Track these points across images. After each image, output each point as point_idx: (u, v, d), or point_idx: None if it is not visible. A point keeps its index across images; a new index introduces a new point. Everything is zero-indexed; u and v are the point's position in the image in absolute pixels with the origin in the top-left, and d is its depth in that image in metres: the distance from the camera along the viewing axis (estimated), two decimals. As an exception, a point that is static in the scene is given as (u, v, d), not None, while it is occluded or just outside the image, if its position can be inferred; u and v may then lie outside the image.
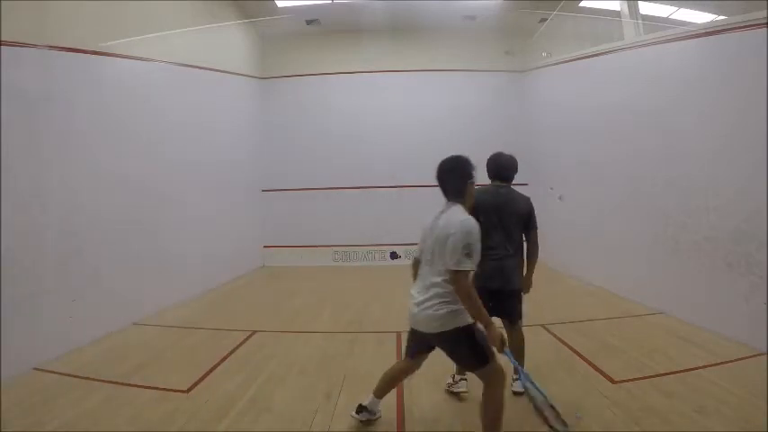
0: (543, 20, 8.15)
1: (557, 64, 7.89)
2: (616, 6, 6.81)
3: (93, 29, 4.93)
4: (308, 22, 8.90)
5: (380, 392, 2.80)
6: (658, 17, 6.68)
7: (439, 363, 3.80)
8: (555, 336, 4.43)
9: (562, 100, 7.73)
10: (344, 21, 8.81)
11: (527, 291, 3.31)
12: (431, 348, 2.64)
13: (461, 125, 9.19)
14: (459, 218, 2.36)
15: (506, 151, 3.54)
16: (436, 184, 2.53)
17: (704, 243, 4.54)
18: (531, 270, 3.26)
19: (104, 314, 4.73)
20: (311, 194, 9.36)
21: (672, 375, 3.39)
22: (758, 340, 3.76)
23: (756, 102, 3.86)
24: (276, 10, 8.31)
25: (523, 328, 3.26)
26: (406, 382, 3.43)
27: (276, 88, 9.49)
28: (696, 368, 3.51)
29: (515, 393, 3.09)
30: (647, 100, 5.39)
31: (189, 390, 3.37)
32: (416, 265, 2.64)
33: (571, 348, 4.07)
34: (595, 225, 6.63)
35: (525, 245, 3.28)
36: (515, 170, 3.49)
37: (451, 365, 3.04)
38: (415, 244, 2.69)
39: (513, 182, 3.45)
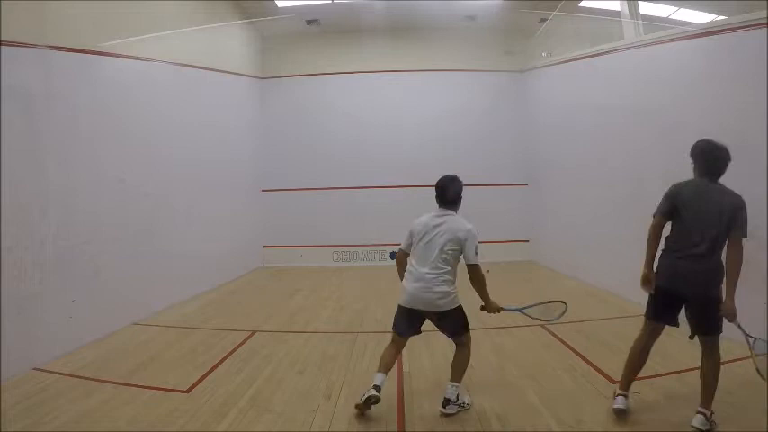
0: (543, 20, 8.15)
1: (557, 64, 7.89)
2: (616, 6, 6.81)
3: (93, 29, 4.93)
4: (308, 22, 8.90)
5: (384, 367, 2.99)
6: (658, 17, 6.68)
7: (439, 363, 3.81)
8: (555, 336, 4.43)
9: (562, 100, 7.73)
10: (344, 21, 8.82)
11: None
12: (420, 328, 3.09)
13: (461, 125, 9.21)
14: (467, 225, 2.95)
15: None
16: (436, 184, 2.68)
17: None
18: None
19: (104, 314, 4.73)
20: (311, 194, 9.37)
21: (672, 375, 3.39)
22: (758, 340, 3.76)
23: (756, 102, 3.87)
24: (276, 10, 8.32)
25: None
26: (406, 381, 3.45)
27: (276, 88, 9.49)
28: (696, 368, 3.50)
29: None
30: (647, 100, 5.39)
31: (189, 390, 3.37)
32: (406, 256, 3.11)
33: (571, 348, 4.07)
34: (595, 225, 6.63)
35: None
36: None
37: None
38: None
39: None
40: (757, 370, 2.60)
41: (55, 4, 4.43)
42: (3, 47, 3.76)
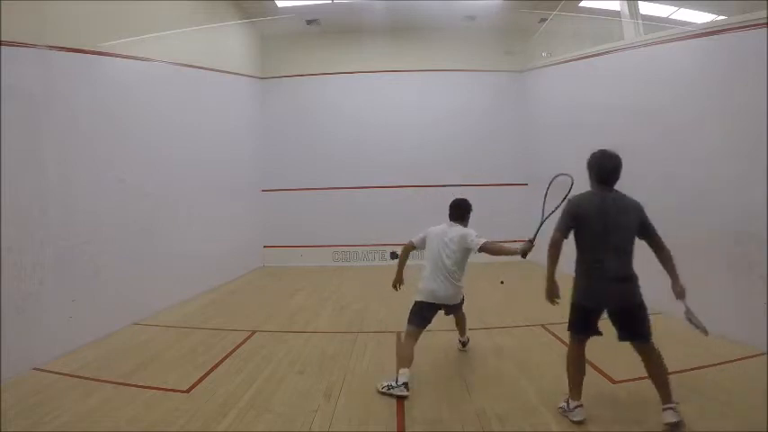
0: (543, 20, 8.16)
1: (557, 64, 7.89)
2: (616, 6, 6.82)
3: (93, 29, 4.93)
4: (308, 22, 8.91)
5: (408, 362, 3.29)
6: (658, 17, 6.68)
7: (440, 363, 3.81)
8: (555, 336, 4.43)
9: (562, 100, 7.73)
10: (344, 21, 8.82)
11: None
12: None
13: (461, 125, 9.22)
14: (466, 230, 3.62)
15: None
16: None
17: (704, 243, 4.53)
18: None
19: (104, 314, 4.73)
20: (311, 194, 9.37)
21: (672, 375, 3.38)
22: (758, 340, 3.77)
23: (756, 102, 3.86)
24: (276, 10, 8.33)
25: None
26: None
27: (276, 88, 9.50)
28: (696, 368, 3.51)
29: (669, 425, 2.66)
30: (647, 100, 5.39)
31: (189, 390, 3.37)
32: (412, 248, 3.74)
33: (571, 348, 4.06)
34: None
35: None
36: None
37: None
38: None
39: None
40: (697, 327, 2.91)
41: (55, 4, 4.44)
42: (3, 47, 3.76)
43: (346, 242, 9.25)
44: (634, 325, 2.78)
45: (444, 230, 3.62)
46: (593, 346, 4.25)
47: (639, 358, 2.87)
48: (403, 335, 3.58)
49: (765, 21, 3.90)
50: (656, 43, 5.34)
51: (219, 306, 6.11)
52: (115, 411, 3.04)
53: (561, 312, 4.86)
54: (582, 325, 2.92)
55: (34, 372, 3.73)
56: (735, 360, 3.63)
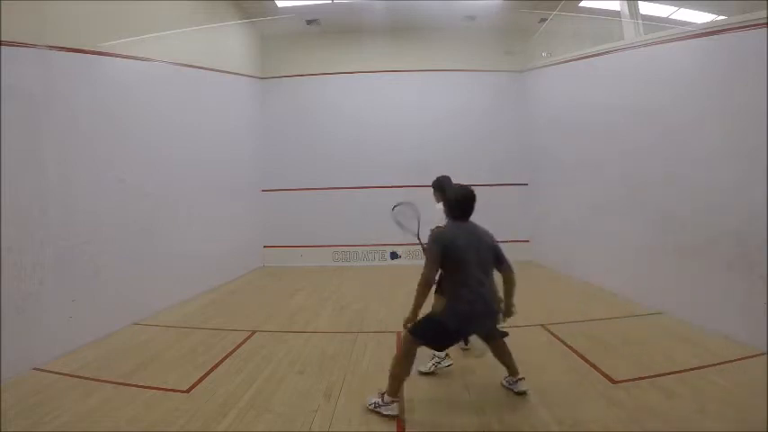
0: (543, 20, 8.15)
1: (557, 64, 7.89)
2: (616, 6, 6.81)
3: (93, 29, 4.93)
4: (308, 22, 8.90)
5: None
6: (658, 17, 6.68)
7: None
8: (555, 336, 4.43)
9: (562, 100, 7.73)
10: (344, 21, 8.82)
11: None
12: None
13: (461, 125, 9.21)
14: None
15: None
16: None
17: (704, 243, 4.54)
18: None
19: (104, 314, 4.73)
20: (311, 194, 9.37)
21: (672, 375, 3.39)
22: (758, 340, 3.77)
23: (756, 102, 3.87)
24: (276, 10, 8.32)
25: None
26: (406, 382, 3.44)
27: (276, 88, 9.50)
28: (696, 368, 3.51)
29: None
30: (647, 100, 5.39)
31: (189, 390, 3.38)
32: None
33: (571, 348, 4.07)
34: (595, 225, 6.64)
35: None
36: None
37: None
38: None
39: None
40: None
41: (55, 4, 4.44)
42: (3, 47, 3.77)
43: (346, 242, 9.24)
44: (495, 328, 3.13)
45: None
46: (593, 346, 4.25)
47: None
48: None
49: (765, 21, 3.90)
50: (656, 43, 5.34)
51: (219, 306, 6.11)
52: (115, 411, 3.04)
53: (561, 312, 4.86)
54: (445, 345, 3.09)
55: (34, 372, 3.74)
56: (735, 360, 3.63)
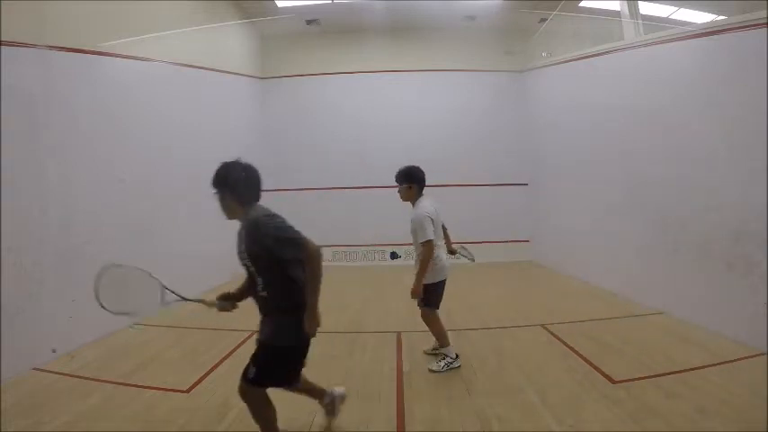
0: (543, 20, 8.15)
1: (557, 64, 7.89)
2: (616, 6, 6.81)
3: (93, 29, 4.93)
4: (308, 22, 8.90)
5: (445, 340, 3.74)
6: (658, 17, 6.68)
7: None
8: (555, 336, 4.43)
9: (562, 100, 7.73)
10: (344, 21, 8.81)
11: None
12: None
13: (461, 125, 9.21)
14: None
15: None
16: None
17: (704, 243, 4.53)
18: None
19: (104, 314, 4.71)
20: (311, 194, 9.37)
21: (672, 375, 3.39)
22: (758, 340, 3.76)
23: (756, 102, 3.86)
24: (276, 10, 8.32)
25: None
26: (406, 382, 3.45)
27: (276, 88, 9.49)
28: (696, 368, 3.51)
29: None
30: (647, 100, 5.39)
31: (189, 390, 3.38)
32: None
33: (571, 348, 4.07)
34: (595, 225, 6.64)
35: None
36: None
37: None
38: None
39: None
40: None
41: (55, 4, 4.43)
42: (3, 47, 3.76)
43: (346, 242, 9.24)
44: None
45: (434, 204, 3.78)
46: (593, 346, 4.24)
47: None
48: (430, 316, 3.73)
49: (765, 21, 3.90)
50: (656, 43, 5.34)
51: (219, 306, 6.10)
52: (115, 411, 3.04)
53: (561, 312, 4.86)
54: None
55: (34, 372, 3.73)
56: (735, 360, 3.63)
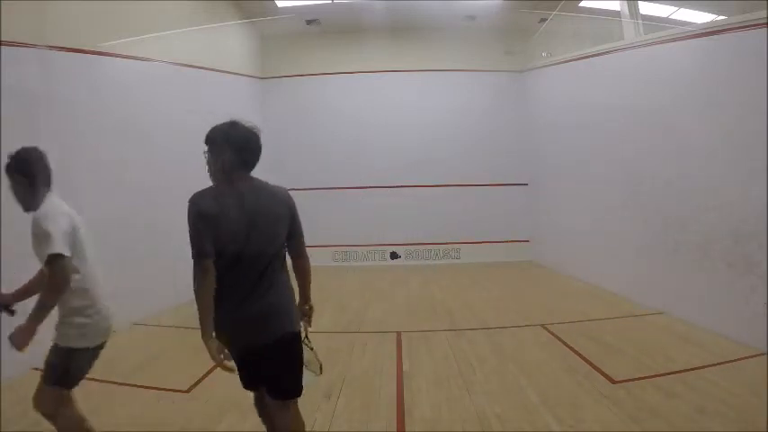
0: (543, 20, 8.15)
1: (557, 64, 7.89)
2: (616, 6, 6.81)
3: (93, 29, 4.93)
4: (308, 22, 8.90)
5: None
6: (658, 17, 6.68)
7: (440, 362, 3.81)
8: (555, 336, 4.43)
9: (562, 100, 7.74)
10: (344, 21, 8.82)
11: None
12: None
13: (461, 125, 9.21)
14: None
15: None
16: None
17: (704, 243, 4.54)
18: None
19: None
20: (311, 194, 9.36)
21: (672, 375, 3.39)
22: (758, 340, 3.76)
23: (756, 102, 3.86)
24: (276, 10, 8.32)
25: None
26: (406, 382, 3.44)
27: (276, 88, 9.49)
28: (696, 368, 3.51)
29: None
30: (647, 100, 5.39)
31: (189, 390, 3.38)
32: None
33: (571, 348, 4.07)
34: (595, 225, 6.64)
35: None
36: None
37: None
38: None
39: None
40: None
41: (55, 4, 4.44)
42: (3, 47, 3.76)
43: (346, 242, 9.24)
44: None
45: None
46: (593, 346, 4.24)
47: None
48: (54, 403, 2.33)
49: (765, 21, 3.90)
50: (656, 43, 5.34)
51: (219, 306, 6.10)
52: (115, 411, 3.04)
53: (561, 312, 4.87)
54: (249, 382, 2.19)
55: (34, 372, 3.72)
56: (735, 360, 3.63)
